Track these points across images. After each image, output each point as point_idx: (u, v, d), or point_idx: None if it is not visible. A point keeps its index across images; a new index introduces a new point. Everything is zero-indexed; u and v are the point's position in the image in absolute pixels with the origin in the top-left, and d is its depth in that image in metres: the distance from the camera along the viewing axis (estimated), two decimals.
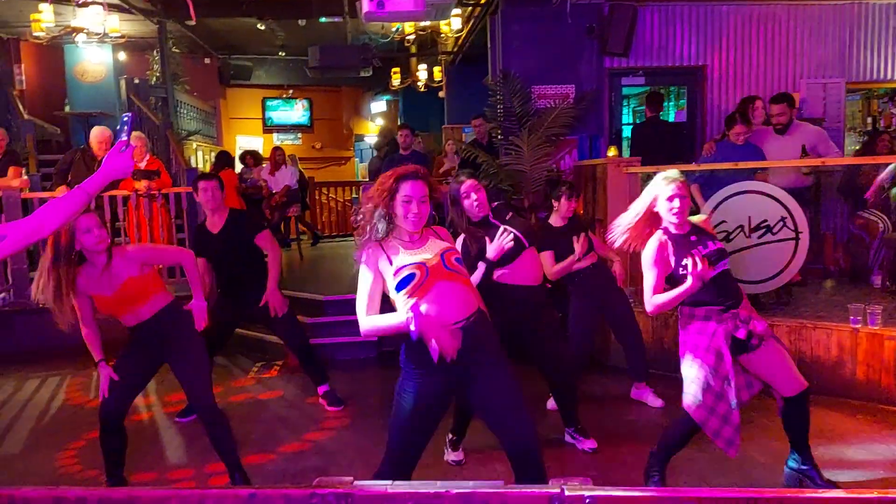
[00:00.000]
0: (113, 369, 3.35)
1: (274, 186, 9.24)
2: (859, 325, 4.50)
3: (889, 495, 1.23)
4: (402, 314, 2.47)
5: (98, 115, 9.76)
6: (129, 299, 3.25)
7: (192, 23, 9.94)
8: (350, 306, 6.80)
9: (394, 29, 10.40)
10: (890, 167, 5.56)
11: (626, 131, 8.48)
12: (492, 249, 3.41)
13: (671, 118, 8.95)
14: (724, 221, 5.16)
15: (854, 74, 7.49)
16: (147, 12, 9.68)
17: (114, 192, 6.51)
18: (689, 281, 2.92)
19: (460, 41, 10.41)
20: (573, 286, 4.53)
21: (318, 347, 5.29)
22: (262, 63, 14.58)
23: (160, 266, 3.30)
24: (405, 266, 2.51)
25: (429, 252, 2.58)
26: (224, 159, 9.03)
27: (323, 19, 10.25)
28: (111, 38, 8.65)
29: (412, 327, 2.37)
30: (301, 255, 9.52)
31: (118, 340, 3.46)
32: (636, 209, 3.16)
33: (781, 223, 5.01)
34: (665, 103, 8.58)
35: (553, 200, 4.41)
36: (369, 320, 2.55)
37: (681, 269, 3.00)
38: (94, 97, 10.34)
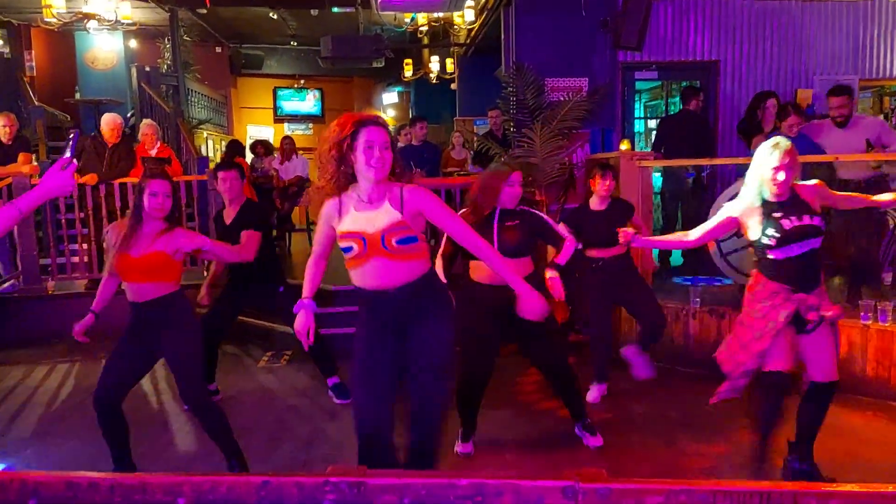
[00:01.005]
0: (111, 354, 3.37)
1: (284, 176, 9.23)
2: (869, 322, 4.47)
3: None
4: (304, 293, 2.78)
5: (108, 103, 9.79)
6: (146, 270, 3.26)
7: (205, 11, 9.96)
8: (354, 297, 6.78)
9: (407, 20, 10.36)
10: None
11: (639, 125, 8.44)
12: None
13: None
14: None
15: (867, 71, 7.42)
16: (159, 0, 9.68)
17: (124, 180, 6.52)
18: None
19: (473, 33, 10.36)
20: (593, 275, 4.52)
21: (328, 338, 5.28)
22: (273, 52, 14.57)
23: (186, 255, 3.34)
24: (347, 235, 2.59)
25: (377, 220, 2.54)
26: (235, 148, 9.04)
27: (335, 9, 10.22)
28: (123, 25, 8.64)
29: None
30: (311, 243, 9.50)
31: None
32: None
33: None
34: (678, 98, 8.52)
35: (589, 181, 4.49)
36: (306, 272, 2.81)
37: (765, 238, 3.06)
38: (104, 84, 10.36)
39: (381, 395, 2.69)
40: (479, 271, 3.61)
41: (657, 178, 6.86)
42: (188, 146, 8.33)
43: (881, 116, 8.41)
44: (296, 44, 13.35)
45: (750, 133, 6.04)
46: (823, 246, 3.11)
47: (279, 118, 16.49)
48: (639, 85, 7.95)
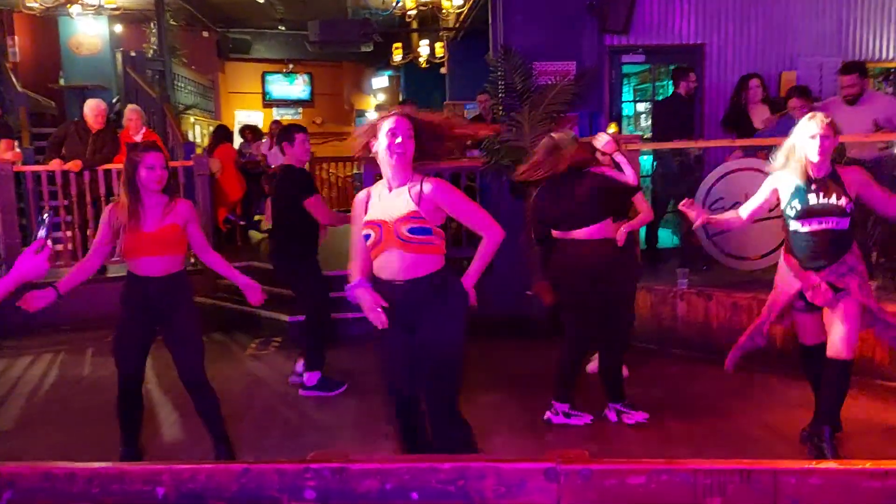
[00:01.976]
0: (119, 335, 3.40)
1: (273, 161, 9.17)
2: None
3: (881, 466, 1.21)
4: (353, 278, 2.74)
5: (93, 88, 9.67)
6: (159, 244, 3.25)
7: None
8: None
9: (394, 3, 10.25)
10: None
11: (628, 109, 8.41)
12: None
13: None
14: (721, 198, 5.13)
15: (851, 53, 7.38)
16: None
17: (109, 166, 6.45)
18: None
19: (462, 17, 10.28)
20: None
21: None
22: (261, 37, 14.42)
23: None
24: (368, 223, 2.68)
25: (394, 208, 2.65)
26: (222, 134, 8.96)
27: None
28: (107, 9, 8.54)
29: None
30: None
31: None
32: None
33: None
34: (666, 81, 8.47)
35: None
36: (351, 265, 2.81)
37: (789, 208, 3.21)
38: (89, 70, 10.23)
39: (403, 377, 2.82)
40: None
41: (646, 161, 6.85)
42: (174, 132, 8.23)
43: None
44: (284, 28, 13.22)
45: (737, 124, 6.01)
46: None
47: (268, 103, 16.35)
48: (627, 69, 7.92)
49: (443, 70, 12.11)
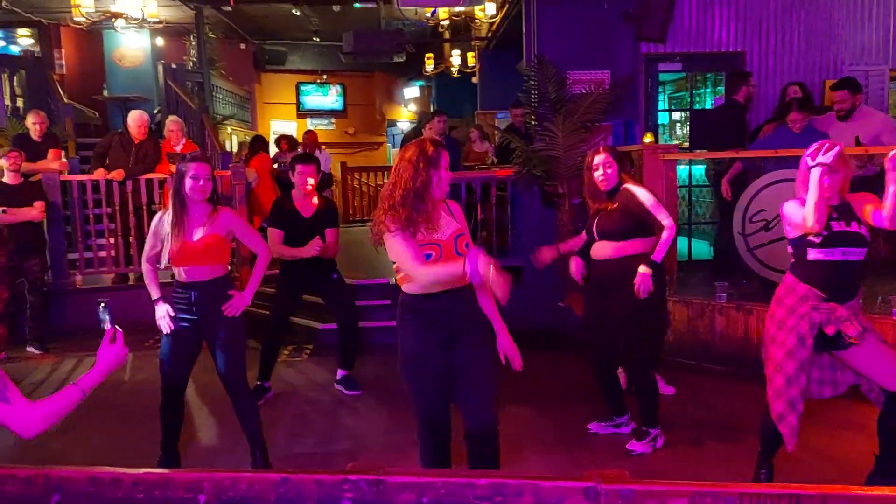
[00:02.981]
0: (163, 343, 3.44)
1: None
2: None
3: None
4: (458, 263, 2.49)
5: (135, 100, 9.91)
6: (204, 253, 3.33)
7: (230, 8, 10.01)
8: (382, 290, 6.81)
9: (428, 14, 10.32)
10: None
11: (663, 117, 8.33)
12: None
13: (708, 105, 8.77)
14: (763, 210, 5.04)
15: None
16: None
17: (150, 176, 6.60)
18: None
19: (494, 27, 10.30)
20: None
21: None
22: (296, 48, 14.63)
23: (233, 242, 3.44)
24: (424, 245, 2.63)
25: (442, 232, 2.67)
26: (259, 144, 9.10)
27: (357, 5, 10.23)
28: (149, 23, 8.74)
29: (468, 269, 2.40)
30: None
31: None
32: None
33: None
34: (703, 90, 8.38)
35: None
36: (427, 271, 2.60)
37: (812, 235, 2.95)
38: (132, 82, 10.49)
39: (438, 393, 2.78)
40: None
41: (682, 171, 6.78)
42: (213, 142, 8.39)
43: None
44: (318, 39, 13.38)
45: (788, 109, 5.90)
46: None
47: (302, 113, 16.56)
48: (662, 77, 7.84)
49: (474, 79, 12.14)
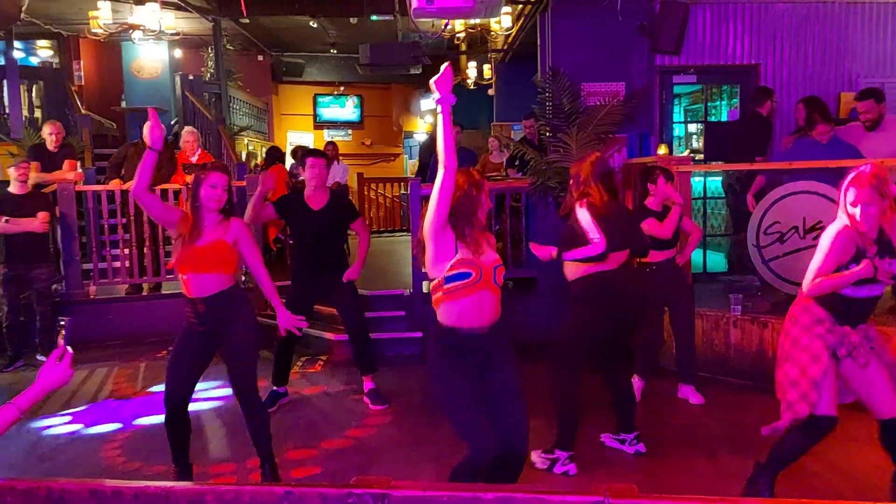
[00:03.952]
0: (171, 354, 3.44)
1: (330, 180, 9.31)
2: None
3: None
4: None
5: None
6: (209, 260, 3.31)
7: (247, 20, 10.11)
8: (396, 301, 6.80)
9: (444, 26, 10.36)
10: None
11: (679, 129, 8.29)
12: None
13: (724, 117, 8.72)
14: (777, 222, 4.99)
15: None
16: (202, 10, 9.87)
17: (165, 186, 6.64)
18: (862, 267, 2.77)
19: (510, 39, 10.33)
20: (648, 277, 4.53)
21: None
22: (313, 60, 14.74)
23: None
24: (465, 261, 2.66)
25: (486, 255, 2.73)
26: (275, 155, 9.16)
27: (374, 17, 10.29)
28: (167, 35, 8.84)
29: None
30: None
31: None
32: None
33: None
34: (719, 102, 8.33)
35: (649, 184, 4.54)
36: None
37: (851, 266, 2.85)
38: (149, 93, 10.61)
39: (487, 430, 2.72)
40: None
41: (698, 184, 6.73)
42: (229, 153, 8.45)
43: None
44: (335, 51, 13.48)
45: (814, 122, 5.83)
46: None
47: (319, 125, 16.67)
48: (677, 89, 7.81)
49: (490, 91, 12.16)
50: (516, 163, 7.69)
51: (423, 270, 2.75)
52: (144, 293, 6.83)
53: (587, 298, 3.72)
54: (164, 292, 6.68)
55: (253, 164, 10.22)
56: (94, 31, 8.15)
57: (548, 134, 6.72)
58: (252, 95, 12.72)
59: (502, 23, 9.15)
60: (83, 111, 9.22)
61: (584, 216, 3.65)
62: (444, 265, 2.66)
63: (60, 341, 2.00)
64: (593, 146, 6.20)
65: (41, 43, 11.34)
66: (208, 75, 10.87)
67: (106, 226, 6.81)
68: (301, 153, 9.73)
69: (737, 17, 7.00)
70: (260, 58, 13.79)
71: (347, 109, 16.81)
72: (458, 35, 10.43)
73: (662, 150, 6.31)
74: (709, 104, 8.23)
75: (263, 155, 10.49)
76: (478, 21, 9.25)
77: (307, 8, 10.10)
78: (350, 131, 16.90)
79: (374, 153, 16.74)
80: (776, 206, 5.09)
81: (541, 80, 6.95)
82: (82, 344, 6.17)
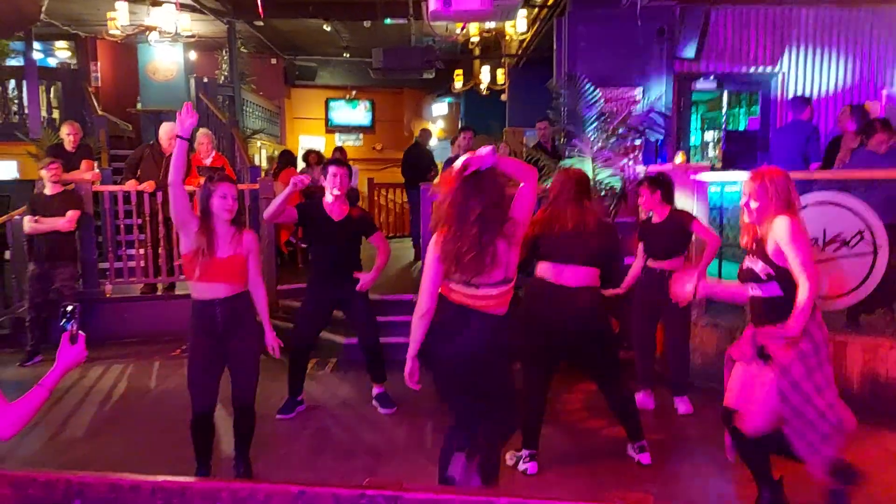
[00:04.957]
0: (189, 366, 3.46)
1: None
2: None
3: None
4: None
5: (168, 112, 10.05)
6: (227, 271, 3.36)
7: (261, 23, 10.17)
8: (406, 306, 6.77)
9: (458, 30, 10.38)
10: None
11: (696, 137, 8.24)
12: None
13: (742, 125, 8.66)
14: None
15: None
16: (217, 12, 9.94)
17: None
18: None
19: (525, 43, 10.32)
20: (640, 286, 4.55)
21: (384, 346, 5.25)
22: (326, 64, 14.80)
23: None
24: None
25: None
26: (287, 158, 9.18)
27: (387, 21, 10.33)
28: (182, 37, 8.90)
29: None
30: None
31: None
32: None
33: (859, 237, 4.73)
34: (738, 110, 8.29)
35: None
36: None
37: None
38: (164, 95, 10.65)
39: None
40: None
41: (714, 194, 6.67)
42: (242, 155, 8.48)
43: None
44: (348, 55, 13.53)
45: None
46: None
47: (330, 129, 16.73)
48: (696, 97, 7.78)
49: (503, 97, 12.15)
50: None
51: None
52: (159, 293, 6.86)
53: (526, 302, 3.74)
54: (177, 293, 6.71)
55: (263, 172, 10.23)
56: (111, 32, 8.22)
57: (562, 140, 6.70)
58: (265, 98, 12.78)
59: (517, 27, 9.17)
60: (100, 112, 9.29)
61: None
62: None
63: (74, 324, 2.10)
64: (609, 152, 6.19)
65: (59, 44, 11.45)
66: (222, 78, 10.94)
67: (122, 226, 6.85)
68: (317, 158, 9.78)
69: (758, 24, 6.95)
70: (273, 61, 13.87)
71: (359, 113, 16.86)
72: (472, 39, 10.43)
73: (680, 157, 6.28)
74: (728, 112, 8.17)
75: (276, 157, 10.53)
76: (493, 25, 9.28)
77: (320, 11, 10.16)
78: (361, 135, 16.95)
79: (384, 158, 16.77)
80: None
81: (556, 84, 6.94)
82: (98, 341, 6.21)
